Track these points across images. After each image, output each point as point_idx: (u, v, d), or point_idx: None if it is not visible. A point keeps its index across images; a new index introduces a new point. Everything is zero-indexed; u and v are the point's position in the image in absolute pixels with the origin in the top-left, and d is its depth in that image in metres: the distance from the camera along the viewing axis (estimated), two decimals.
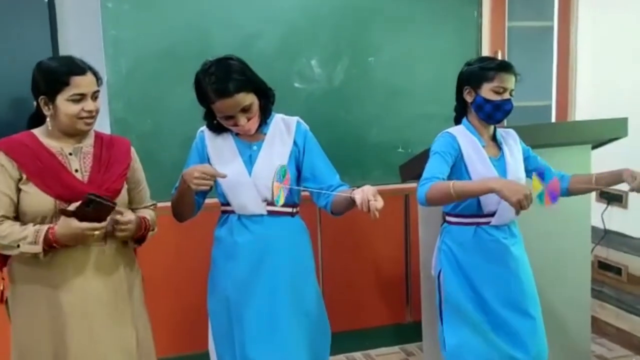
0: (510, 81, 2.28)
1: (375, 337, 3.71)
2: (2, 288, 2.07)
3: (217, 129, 2.23)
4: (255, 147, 2.22)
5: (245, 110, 2.11)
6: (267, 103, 2.21)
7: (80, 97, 1.99)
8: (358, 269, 3.63)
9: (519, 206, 2.01)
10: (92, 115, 2.03)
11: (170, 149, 3.18)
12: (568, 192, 2.45)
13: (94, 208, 1.90)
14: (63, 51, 3.17)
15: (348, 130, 3.48)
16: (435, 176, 2.18)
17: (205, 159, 2.25)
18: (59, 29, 3.22)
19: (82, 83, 1.99)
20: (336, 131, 3.40)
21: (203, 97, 2.14)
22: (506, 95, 2.28)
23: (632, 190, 2.25)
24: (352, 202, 2.03)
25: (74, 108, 1.98)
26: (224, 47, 3.13)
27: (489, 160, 2.32)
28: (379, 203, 1.93)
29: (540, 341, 2.36)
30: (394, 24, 3.53)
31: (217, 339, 2.32)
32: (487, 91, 2.28)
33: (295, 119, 2.30)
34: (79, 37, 3.22)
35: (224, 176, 2.08)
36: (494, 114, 2.29)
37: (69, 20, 3.30)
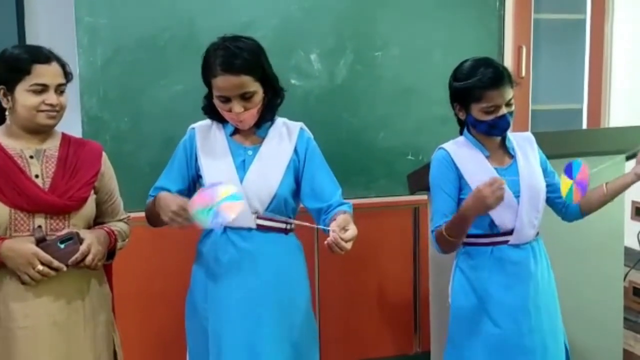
0: (502, 96, 2.22)
1: None
2: None
3: (213, 115, 2.23)
4: (250, 152, 2.21)
5: (246, 98, 2.11)
6: (273, 101, 2.21)
7: (42, 88, 1.99)
8: (360, 291, 3.60)
9: (499, 200, 2.03)
10: (55, 109, 2.02)
11: (150, 151, 3.16)
12: (582, 213, 2.42)
13: (65, 249, 1.94)
14: (31, 41, 3.17)
15: (351, 134, 3.46)
16: (442, 221, 2.23)
17: (192, 158, 2.26)
18: (26, 16, 3.22)
19: (46, 73, 2.00)
20: (338, 134, 3.37)
21: (208, 69, 2.14)
22: (501, 111, 2.23)
23: None
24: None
25: (34, 100, 1.99)
26: (211, 37, 3.11)
27: (494, 171, 2.29)
28: (348, 233, 1.94)
29: None
30: (405, 15, 3.50)
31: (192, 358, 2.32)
32: (477, 112, 2.25)
33: (298, 124, 2.30)
34: (49, 26, 3.24)
35: None
36: (490, 131, 2.28)
37: (37, 7, 3.30)
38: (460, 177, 2.28)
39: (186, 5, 3.20)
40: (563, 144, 2.66)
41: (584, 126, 3.95)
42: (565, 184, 2.21)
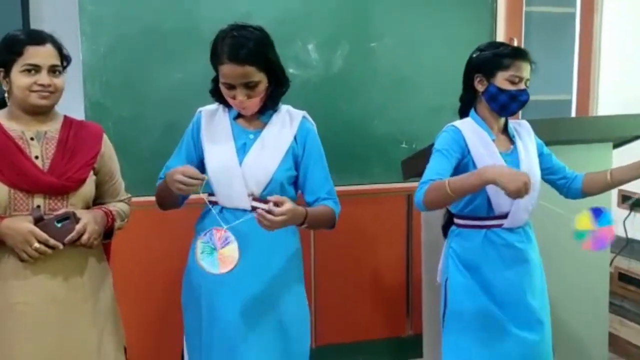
0: (526, 70, 2.24)
1: (372, 351, 3.66)
2: None
3: (219, 98, 2.21)
4: (252, 136, 2.20)
5: (249, 86, 2.09)
6: (277, 90, 2.19)
7: (34, 69, 1.98)
8: (354, 275, 3.58)
9: (517, 195, 1.94)
10: (48, 90, 2.00)
11: (151, 137, 3.15)
12: (582, 194, 2.41)
13: (62, 228, 1.93)
14: (35, 24, 3.12)
15: (347, 123, 3.43)
16: (434, 178, 2.13)
17: (198, 140, 2.25)
18: (30, 5, 3.18)
19: (38, 54, 1.98)
20: (334, 123, 3.33)
21: (215, 56, 2.12)
22: (522, 85, 2.24)
23: None
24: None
25: (26, 80, 1.98)
26: (211, 26, 3.06)
27: (500, 156, 2.26)
28: (280, 209, 1.93)
29: (547, 354, 2.33)
30: (400, 6, 3.47)
31: (188, 336, 2.31)
32: (501, 80, 2.23)
33: (301, 113, 2.28)
34: (53, 14, 3.20)
35: (203, 178, 2.04)
36: (509, 105, 2.24)
37: None
38: (467, 153, 2.24)
39: None
40: (552, 131, 2.63)
41: (573, 116, 3.93)
42: (584, 222, 2.17)
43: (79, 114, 2.89)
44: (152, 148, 3.09)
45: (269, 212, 1.91)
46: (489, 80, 2.25)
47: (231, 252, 1.99)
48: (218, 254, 1.99)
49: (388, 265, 3.64)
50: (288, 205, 1.94)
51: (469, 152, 2.24)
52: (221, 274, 1.99)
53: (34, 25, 3.11)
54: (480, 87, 2.29)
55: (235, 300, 2.15)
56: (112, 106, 3.12)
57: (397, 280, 3.67)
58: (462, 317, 2.29)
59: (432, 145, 2.29)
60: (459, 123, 2.30)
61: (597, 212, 2.19)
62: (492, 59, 2.25)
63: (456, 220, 2.36)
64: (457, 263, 2.31)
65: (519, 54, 2.24)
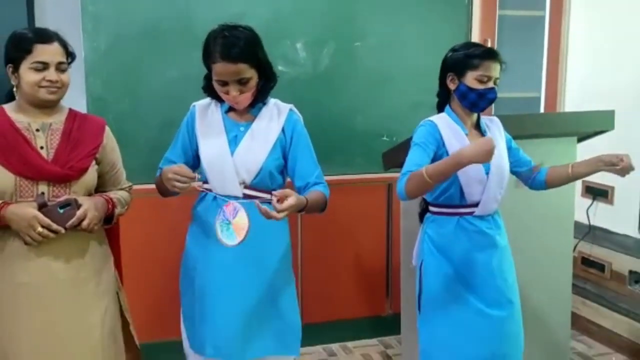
0: (495, 69, 2.24)
1: (354, 328, 3.68)
2: None
3: (212, 93, 2.22)
4: (242, 128, 2.21)
5: (242, 82, 2.09)
6: (266, 85, 2.20)
7: (43, 66, 1.98)
8: (338, 259, 3.60)
9: (491, 156, 1.98)
10: (56, 85, 2.00)
11: (149, 130, 3.15)
12: (546, 185, 2.43)
13: (64, 214, 1.94)
14: (40, 23, 3.11)
15: (332, 117, 3.44)
16: (413, 169, 2.14)
17: (192, 133, 2.26)
18: (35, 5, 3.16)
19: (46, 51, 1.98)
20: (320, 117, 3.33)
21: (208, 55, 2.12)
22: (490, 84, 2.24)
23: (622, 172, 2.21)
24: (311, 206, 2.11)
25: (35, 77, 1.97)
26: (206, 25, 3.04)
27: None
28: (284, 204, 1.93)
29: (517, 331, 2.35)
30: (382, 8, 3.48)
31: (185, 317, 2.32)
32: (471, 79, 2.24)
33: (288, 106, 2.29)
34: (56, 13, 3.17)
35: (193, 177, 2.04)
36: (477, 102, 2.25)
37: None
38: (442, 146, 2.25)
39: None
40: (521, 126, 2.64)
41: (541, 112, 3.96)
42: None
43: (81, 108, 2.86)
44: (150, 140, 3.09)
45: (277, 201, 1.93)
46: (459, 79, 2.26)
47: (242, 219, 2.02)
48: (232, 225, 2.02)
49: (369, 249, 3.66)
50: (291, 200, 1.93)
51: (443, 144, 2.25)
52: (239, 243, 2.01)
53: (39, 24, 3.09)
54: (452, 86, 2.30)
55: (228, 280, 2.16)
56: (112, 101, 3.12)
57: (377, 264, 3.69)
58: (436, 298, 2.31)
59: (411, 138, 2.31)
60: (435, 118, 2.31)
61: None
62: (463, 59, 2.25)
63: (431, 208, 2.38)
64: (431, 247, 2.33)
65: (489, 55, 2.24)
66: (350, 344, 3.64)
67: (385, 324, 3.69)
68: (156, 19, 3.14)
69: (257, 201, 1.95)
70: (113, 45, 3.09)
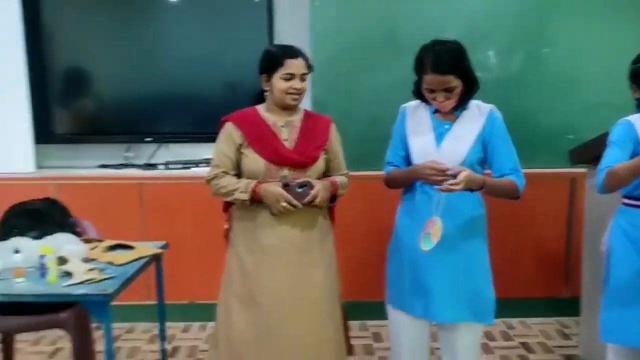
0: None
1: (532, 307, 3.65)
2: (227, 227, 2.40)
3: (420, 97, 2.28)
4: (447, 126, 2.25)
5: (448, 90, 2.14)
6: (469, 91, 2.22)
7: (290, 77, 2.22)
8: (521, 244, 3.58)
9: None
10: (299, 92, 2.25)
11: (359, 126, 3.39)
12: None
13: (301, 193, 2.18)
14: (277, 41, 3.50)
15: (519, 116, 3.37)
16: (609, 165, 2.09)
17: (403, 132, 2.32)
18: (275, 24, 3.55)
19: (293, 65, 2.21)
20: (507, 117, 3.31)
21: (420, 66, 2.17)
22: None
23: None
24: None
25: (285, 85, 2.22)
26: (410, 38, 3.24)
27: None
28: (459, 177, 2.02)
29: None
30: (571, 15, 3.40)
31: (390, 279, 2.37)
32: None
33: (489, 106, 2.30)
34: (290, 30, 3.54)
35: (444, 170, 2.10)
36: None
37: (282, 16, 3.63)
38: (638, 143, 2.17)
39: (392, 15, 3.37)
40: None
41: None
42: None
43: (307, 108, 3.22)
44: (360, 134, 3.30)
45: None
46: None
47: (438, 228, 2.10)
48: (431, 235, 2.10)
49: (550, 236, 3.59)
50: (464, 173, 2.03)
51: (638, 141, 2.17)
52: (433, 247, 2.10)
53: (277, 39, 3.48)
54: (635, 95, 2.24)
55: (434, 254, 2.16)
56: (330, 102, 3.39)
57: (557, 250, 3.61)
58: (622, 286, 2.23)
59: (602, 135, 2.25)
60: (632, 117, 2.22)
61: None
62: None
63: (624, 200, 2.29)
64: (622, 237, 2.25)
65: None
66: (528, 320, 3.63)
67: (563, 306, 3.61)
68: (368, 32, 3.36)
69: (442, 186, 2.03)
70: (333, 56, 3.36)
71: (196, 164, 3.70)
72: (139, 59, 3.70)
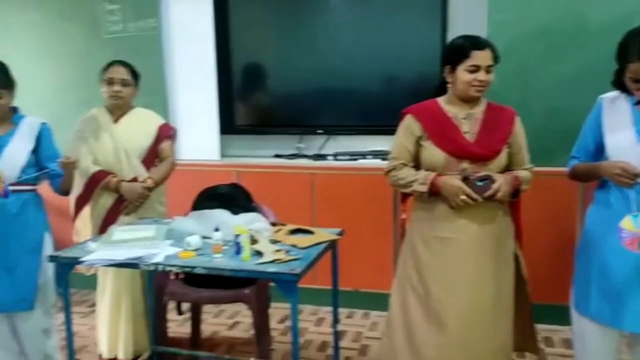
0: None
1: None
2: (404, 217, 2.43)
3: (621, 87, 2.15)
4: None
5: None
6: None
7: (476, 69, 2.17)
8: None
9: None
10: (483, 85, 2.20)
11: (534, 119, 3.17)
12: None
13: (482, 186, 2.14)
14: (451, 34, 3.45)
15: None
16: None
17: (599, 125, 2.21)
18: (449, 14, 3.51)
19: (479, 57, 2.16)
20: None
21: (623, 53, 2.05)
22: None
23: None
24: None
25: (469, 77, 2.18)
26: (600, 25, 3.03)
27: None
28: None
29: None
30: None
31: (577, 284, 2.29)
32: None
33: None
34: (465, 20, 3.47)
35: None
36: None
37: (458, 7, 3.58)
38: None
39: (578, 1, 3.15)
40: None
41: None
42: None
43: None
44: (536, 127, 3.10)
45: None
46: None
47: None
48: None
49: None
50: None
51: None
52: None
53: (451, 31, 3.44)
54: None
55: (627, 260, 2.06)
56: (502, 92, 3.21)
57: None
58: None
59: None
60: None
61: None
62: None
63: None
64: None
65: None
66: None
67: None
68: (551, 20, 3.18)
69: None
70: (510, 46, 3.21)
71: (363, 155, 3.80)
72: (310, 55, 3.88)
